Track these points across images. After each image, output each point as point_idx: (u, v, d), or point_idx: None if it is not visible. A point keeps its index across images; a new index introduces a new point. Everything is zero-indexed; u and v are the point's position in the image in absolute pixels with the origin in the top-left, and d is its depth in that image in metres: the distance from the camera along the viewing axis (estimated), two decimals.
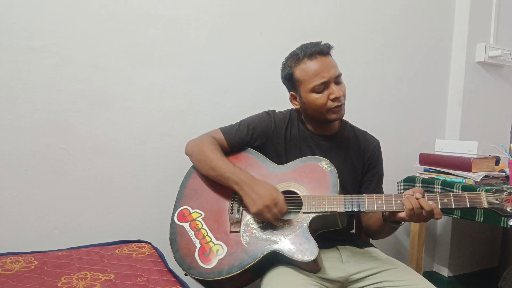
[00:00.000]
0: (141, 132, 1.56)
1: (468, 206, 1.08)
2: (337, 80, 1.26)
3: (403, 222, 1.20)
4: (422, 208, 1.08)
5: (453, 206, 1.09)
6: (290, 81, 1.31)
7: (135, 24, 1.52)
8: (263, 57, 1.74)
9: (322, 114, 1.28)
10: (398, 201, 1.12)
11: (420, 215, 1.08)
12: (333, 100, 1.24)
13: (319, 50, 1.24)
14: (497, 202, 1.06)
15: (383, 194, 1.16)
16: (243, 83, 1.72)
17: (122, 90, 1.52)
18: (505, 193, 1.07)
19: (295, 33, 1.78)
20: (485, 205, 1.06)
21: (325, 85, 1.23)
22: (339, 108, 1.27)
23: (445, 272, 2.17)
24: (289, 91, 1.35)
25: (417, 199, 1.08)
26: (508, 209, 1.04)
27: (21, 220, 1.40)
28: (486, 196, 1.07)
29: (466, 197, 1.08)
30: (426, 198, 1.10)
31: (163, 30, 1.57)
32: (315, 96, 1.25)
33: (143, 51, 1.54)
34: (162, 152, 1.60)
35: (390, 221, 1.19)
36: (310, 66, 1.24)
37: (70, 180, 1.46)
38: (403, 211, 1.10)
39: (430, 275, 2.20)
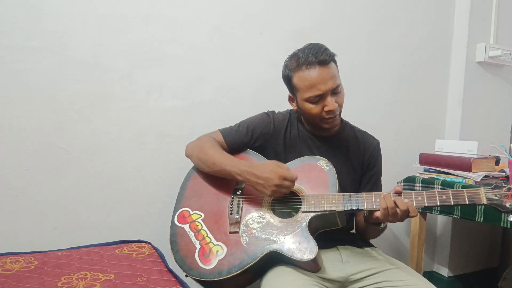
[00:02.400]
0: (141, 132, 1.56)
1: (467, 202, 1.07)
2: (334, 91, 1.24)
3: (382, 225, 1.22)
4: (397, 206, 1.09)
5: (452, 203, 1.08)
6: (288, 84, 1.31)
7: (135, 24, 1.52)
8: (263, 57, 1.74)
9: (316, 123, 1.29)
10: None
11: (395, 214, 1.09)
12: (328, 112, 1.24)
13: (319, 60, 1.20)
14: (496, 198, 1.05)
15: (381, 192, 1.16)
16: (243, 83, 1.72)
17: (122, 90, 1.52)
18: (504, 189, 1.06)
19: (295, 33, 1.78)
20: (484, 201, 1.06)
21: (320, 97, 1.23)
22: (333, 119, 1.27)
23: (445, 272, 2.17)
24: (288, 92, 1.35)
25: (397, 192, 1.10)
26: (508, 205, 1.03)
27: (21, 220, 1.40)
28: (485, 192, 1.06)
29: (465, 193, 1.07)
30: (402, 196, 1.11)
31: (163, 30, 1.57)
32: (310, 105, 1.25)
33: (143, 51, 1.54)
34: (162, 152, 1.60)
35: (371, 222, 1.20)
36: (307, 76, 1.22)
37: (70, 180, 1.46)
38: (378, 211, 1.11)
39: (430, 275, 2.20)
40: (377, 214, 1.12)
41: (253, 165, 1.20)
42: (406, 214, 1.09)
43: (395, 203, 1.09)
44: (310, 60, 1.21)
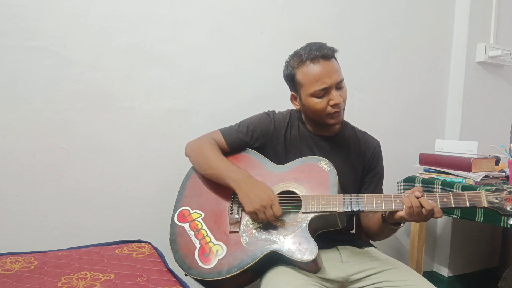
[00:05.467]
0: (141, 132, 1.56)
1: (468, 205, 1.07)
2: (338, 85, 1.24)
3: (402, 224, 1.20)
4: (422, 206, 1.07)
5: (453, 206, 1.08)
6: (291, 82, 1.30)
7: (135, 24, 1.52)
8: (263, 57, 1.74)
9: (321, 118, 1.28)
10: (398, 201, 1.11)
11: (420, 214, 1.08)
12: (333, 106, 1.24)
13: (323, 55, 1.22)
14: (497, 201, 1.05)
15: (382, 194, 1.16)
16: (243, 83, 1.72)
17: (122, 90, 1.52)
18: (505, 192, 1.06)
19: (295, 33, 1.79)
20: (485, 204, 1.06)
21: (325, 91, 1.23)
22: (338, 114, 1.27)
23: (445, 272, 2.17)
24: (290, 91, 1.35)
25: (417, 197, 1.08)
26: (508, 208, 1.04)
27: (21, 220, 1.40)
28: (486, 195, 1.07)
29: (466, 196, 1.08)
30: (425, 197, 1.09)
31: (163, 30, 1.57)
32: (315, 100, 1.25)
33: (143, 51, 1.54)
34: (162, 152, 1.60)
35: (390, 223, 1.19)
36: (312, 70, 1.22)
37: (70, 180, 1.46)
38: (402, 210, 1.10)
39: (430, 275, 2.20)
40: (401, 213, 1.10)
41: (252, 178, 1.20)
42: (431, 214, 1.08)
43: (419, 202, 1.08)
44: (314, 55, 1.22)
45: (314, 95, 1.24)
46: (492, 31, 2.16)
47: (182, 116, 1.62)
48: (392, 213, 1.13)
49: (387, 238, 1.35)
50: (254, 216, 1.17)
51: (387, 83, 2.06)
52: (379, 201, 1.13)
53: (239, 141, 1.34)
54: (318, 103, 1.24)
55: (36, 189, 1.42)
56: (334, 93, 1.23)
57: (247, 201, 1.17)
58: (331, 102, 1.23)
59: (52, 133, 1.43)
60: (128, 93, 1.53)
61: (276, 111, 1.41)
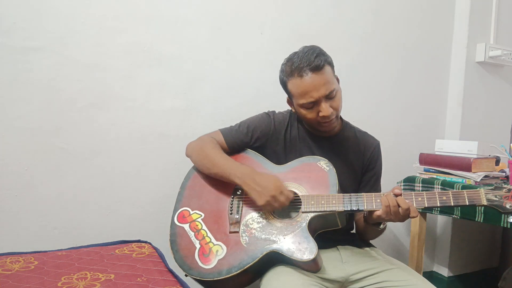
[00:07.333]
0: (141, 132, 1.56)
1: (467, 203, 1.07)
2: (329, 96, 1.22)
3: (382, 225, 1.22)
4: (399, 206, 1.09)
5: (452, 204, 1.08)
6: (284, 88, 1.31)
7: (135, 24, 1.52)
8: (263, 57, 1.74)
9: (313, 126, 1.29)
10: None
11: (396, 213, 1.09)
12: (322, 117, 1.24)
13: (312, 67, 1.19)
14: (497, 199, 1.05)
15: (381, 193, 1.16)
16: (243, 83, 1.72)
17: (122, 90, 1.52)
18: (504, 190, 1.06)
19: (295, 33, 1.79)
20: (484, 202, 1.06)
21: (314, 103, 1.22)
22: (329, 124, 1.27)
23: (445, 272, 2.17)
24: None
25: (396, 195, 1.11)
26: (508, 206, 1.04)
27: (21, 220, 1.40)
28: (485, 193, 1.07)
29: (465, 194, 1.08)
30: (403, 196, 1.12)
31: (163, 30, 1.57)
32: (305, 111, 1.25)
33: (143, 51, 1.54)
34: (162, 152, 1.60)
35: (370, 223, 1.21)
36: (300, 83, 1.21)
37: (70, 180, 1.46)
38: (379, 210, 1.12)
39: (430, 275, 2.20)
40: (378, 212, 1.12)
41: (255, 171, 1.21)
42: (407, 214, 1.10)
43: (397, 201, 1.10)
44: (302, 67, 1.20)
45: (303, 106, 1.24)
46: (492, 31, 2.16)
47: (182, 116, 1.62)
48: (371, 213, 1.14)
49: (373, 238, 1.37)
50: (268, 207, 1.17)
51: (387, 83, 2.06)
52: (378, 200, 1.13)
53: (239, 141, 1.34)
54: (308, 113, 1.25)
55: (36, 189, 1.42)
56: (323, 105, 1.21)
57: (256, 195, 1.17)
58: (320, 114, 1.23)
59: (52, 133, 1.43)
60: (128, 93, 1.53)
61: (276, 111, 1.41)
